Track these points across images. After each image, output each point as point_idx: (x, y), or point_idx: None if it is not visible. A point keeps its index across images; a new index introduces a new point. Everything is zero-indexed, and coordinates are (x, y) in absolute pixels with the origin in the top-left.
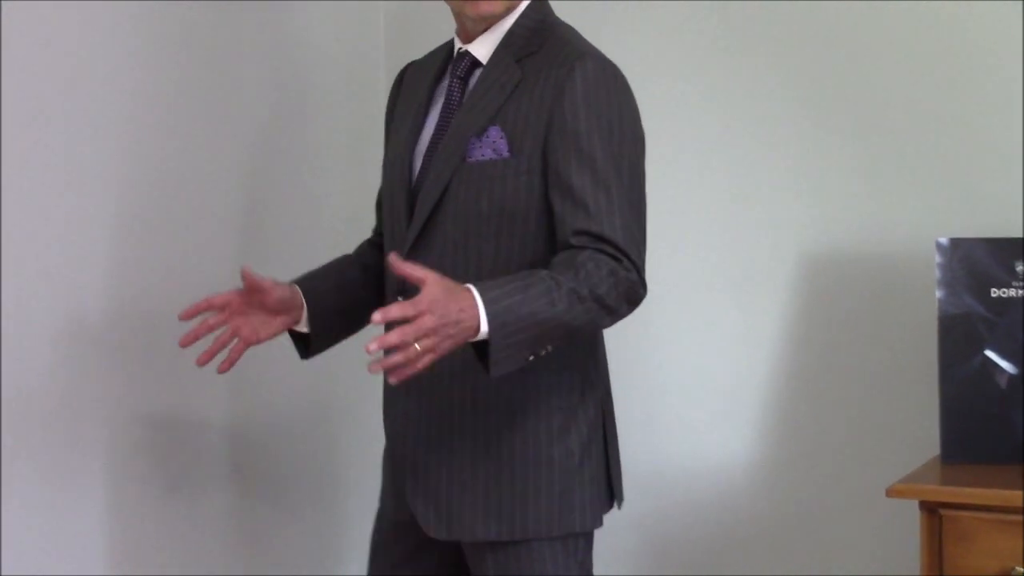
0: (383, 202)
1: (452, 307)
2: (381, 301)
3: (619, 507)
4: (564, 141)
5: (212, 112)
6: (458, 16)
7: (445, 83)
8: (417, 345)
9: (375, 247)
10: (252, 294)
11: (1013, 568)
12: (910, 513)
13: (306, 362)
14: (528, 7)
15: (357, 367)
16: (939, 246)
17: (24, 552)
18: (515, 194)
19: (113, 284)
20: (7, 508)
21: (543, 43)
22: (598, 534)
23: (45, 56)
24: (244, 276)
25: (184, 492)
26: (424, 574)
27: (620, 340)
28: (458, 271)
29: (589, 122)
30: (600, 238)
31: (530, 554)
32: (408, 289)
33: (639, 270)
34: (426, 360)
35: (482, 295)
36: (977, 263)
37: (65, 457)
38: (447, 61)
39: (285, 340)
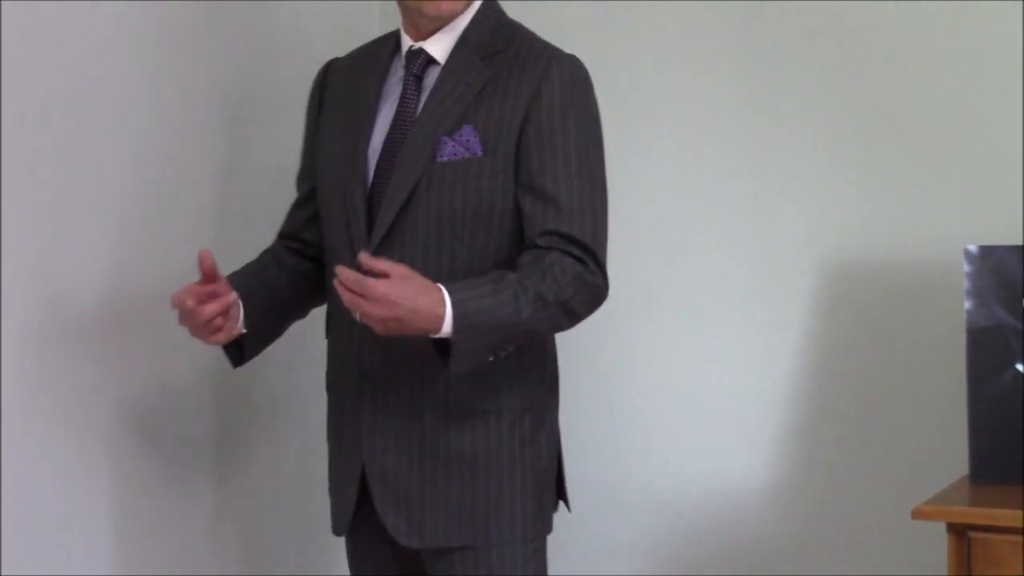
0: (326, 202)
1: (412, 294)
2: (307, 301)
3: (569, 509)
4: (539, 140)
5: (205, 109)
6: (410, 13)
7: (394, 80)
8: (363, 309)
9: (291, 252)
10: (207, 284)
11: None
12: (937, 536)
13: (301, 355)
14: (482, 6)
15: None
16: (968, 254)
17: (24, 551)
18: (490, 194)
19: (109, 279)
20: (7, 508)
21: (509, 42)
22: (615, 555)
23: (45, 56)
24: (203, 259)
25: (181, 491)
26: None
27: (636, 353)
28: (430, 272)
29: (566, 123)
30: (569, 239)
31: (501, 556)
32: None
33: (604, 272)
34: (373, 325)
35: (451, 295)
36: (1008, 272)
37: (63, 455)
38: (389, 59)
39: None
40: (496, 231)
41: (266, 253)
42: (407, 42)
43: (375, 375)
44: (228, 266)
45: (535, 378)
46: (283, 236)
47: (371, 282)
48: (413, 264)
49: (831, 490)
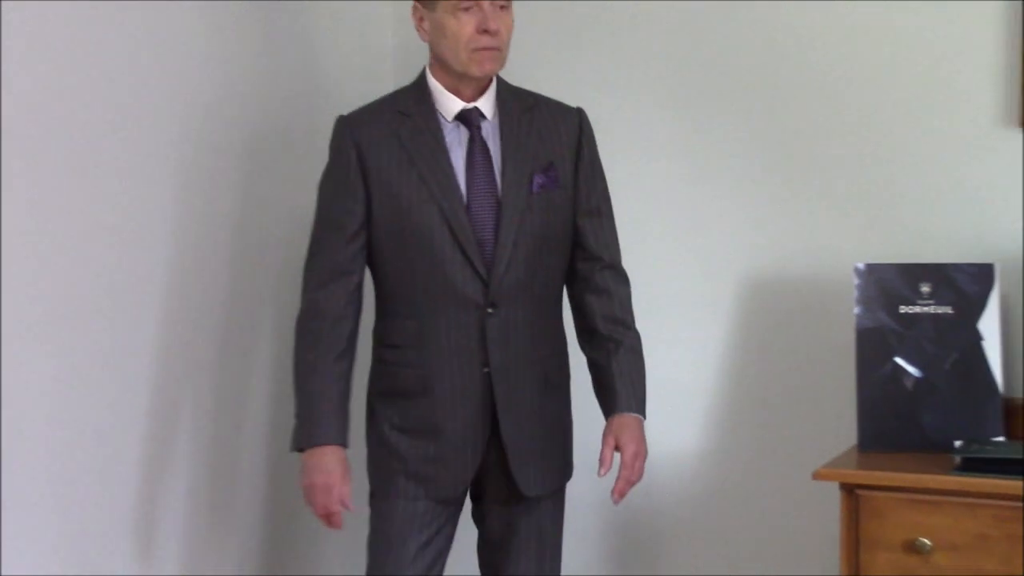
0: (416, 233)
1: (641, 443)
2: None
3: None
4: (589, 178)
5: (213, 112)
6: (456, 80)
7: (457, 133)
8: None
9: (352, 303)
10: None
11: (918, 539)
12: (832, 493)
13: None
14: (497, 77)
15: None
16: (857, 270)
17: (24, 551)
18: (566, 216)
19: (108, 280)
20: (7, 507)
21: (534, 100)
22: (578, 506)
23: (45, 56)
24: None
25: (187, 490)
26: (443, 545)
27: None
28: (544, 276)
29: (597, 161)
30: (616, 268)
31: (562, 497)
32: (496, 303)
33: None
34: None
35: (634, 412)
36: (888, 285)
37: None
38: (431, 115)
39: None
40: (566, 245)
41: (345, 362)
42: (456, 103)
43: (501, 367)
44: (240, 269)
45: (567, 359)
46: (336, 274)
47: (634, 475)
48: (525, 273)
49: (749, 457)
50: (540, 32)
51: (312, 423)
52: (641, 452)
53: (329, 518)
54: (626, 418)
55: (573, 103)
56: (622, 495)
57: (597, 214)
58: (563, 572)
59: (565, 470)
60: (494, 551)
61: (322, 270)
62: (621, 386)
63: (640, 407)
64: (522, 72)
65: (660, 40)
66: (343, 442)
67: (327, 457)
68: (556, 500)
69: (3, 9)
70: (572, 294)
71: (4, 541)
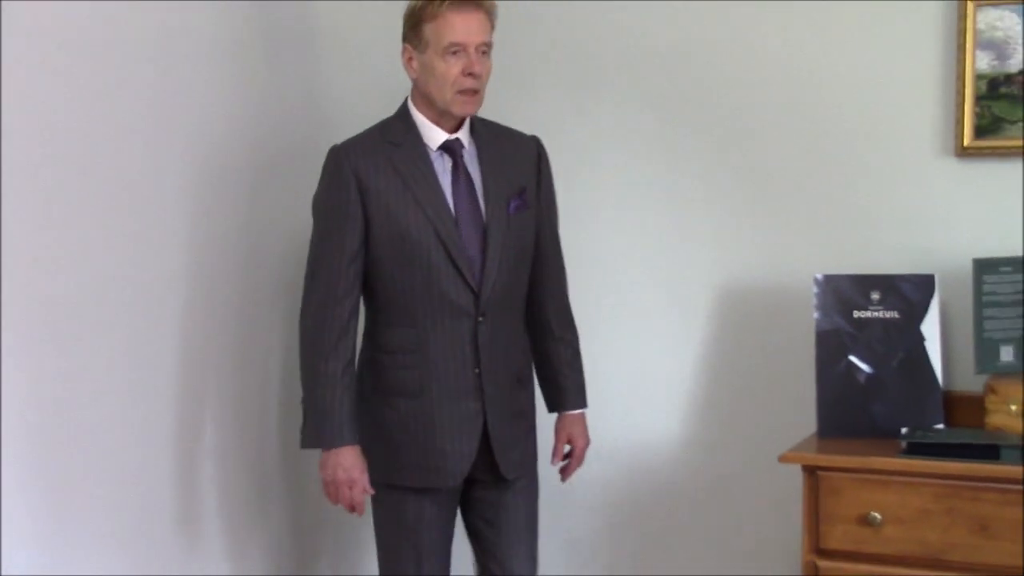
0: (413, 250)
1: (587, 433)
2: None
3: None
4: (548, 198)
5: (223, 135)
6: (439, 115)
7: (442, 161)
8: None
9: (354, 316)
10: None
11: (870, 513)
12: (795, 474)
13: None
14: None
15: None
16: (816, 280)
17: (25, 551)
18: (532, 233)
19: (106, 281)
20: (7, 507)
21: (498, 130)
22: (569, 489)
23: (45, 56)
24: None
25: (186, 490)
26: (449, 532)
27: (586, 348)
28: (519, 287)
29: (551, 187)
30: (562, 281)
31: (532, 484)
32: (485, 312)
33: None
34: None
35: (583, 407)
36: (844, 293)
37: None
38: (415, 142)
39: None
40: (531, 259)
41: (351, 374)
42: (441, 134)
43: (489, 368)
44: (249, 269)
45: (531, 357)
46: (339, 296)
47: (582, 463)
48: (506, 282)
49: (722, 444)
50: (532, 73)
51: (329, 426)
52: (588, 444)
53: (354, 508)
54: (575, 415)
55: (561, 136)
56: (569, 475)
57: (550, 225)
58: (543, 550)
59: (534, 454)
60: (482, 535)
61: (326, 289)
62: (569, 384)
63: (584, 401)
64: (513, 108)
65: (640, 77)
66: (357, 441)
67: (345, 455)
68: (531, 485)
69: (3, 9)
70: (527, 293)
71: (4, 541)
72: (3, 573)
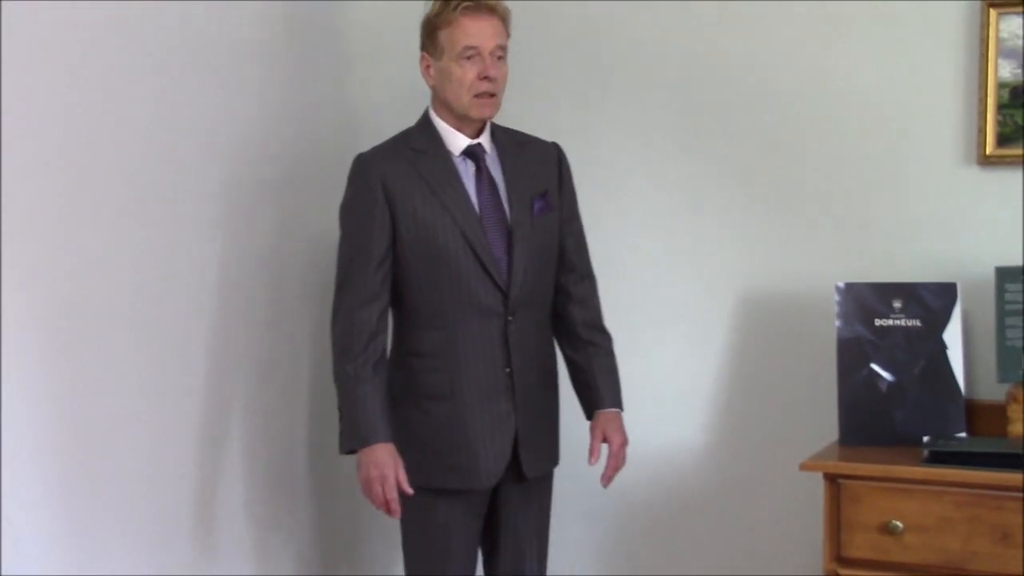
0: (441, 254)
1: (624, 432)
2: None
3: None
4: (571, 199)
5: (255, 145)
6: (459, 120)
7: (464, 166)
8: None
9: (383, 319)
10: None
11: (891, 521)
12: (816, 482)
13: None
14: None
15: None
16: (837, 288)
17: (24, 552)
18: (556, 235)
19: (102, 283)
20: (6, 507)
21: (518, 136)
22: (589, 494)
23: (45, 56)
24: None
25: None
26: (478, 530)
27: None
28: (545, 287)
29: (572, 190)
30: (589, 276)
31: (551, 480)
32: (514, 311)
33: None
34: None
35: (618, 408)
36: (865, 301)
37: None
38: (437, 149)
39: None
40: (556, 260)
41: (382, 373)
42: (463, 139)
43: (520, 368)
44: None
45: (556, 355)
46: (368, 299)
47: (620, 463)
48: (532, 282)
49: (743, 451)
50: (561, 83)
51: (364, 426)
52: (625, 442)
53: (388, 505)
54: (610, 414)
55: (582, 143)
56: (610, 480)
57: (575, 232)
58: (561, 558)
59: (556, 455)
60: (493, 531)
61: (356, 295)
62: (603, 385)
63: (619, 402)
64: (545, 119)
65: (663, 85)
66: (390, 439)
67: (380, 453)
68: (547, 484)
69: (3, 9)
70: (555, 302)
71: (4, 541)
72: (3, 574)
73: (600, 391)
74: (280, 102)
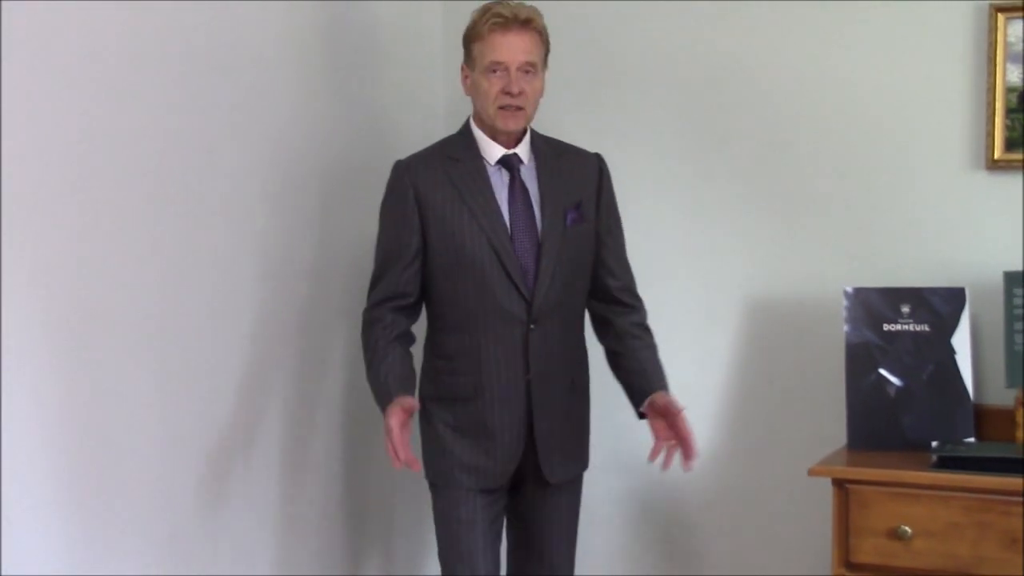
0: (468, 260)
1: (675, 402)
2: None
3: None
4: (608, 213)
5: (296, 153)
6: (492, 130)
7: (500, 175)
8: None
9: (398, 312)
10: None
11: (899, 526)
12: (825, 487)
13: None
14: (530, 127)
15: None
16: (846, 293)
17: (25, 551)
18: (591, 247)
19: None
20: (5, 508)
21: (562, 148)
22: (600, 499)
23: (45, 56)
24: (409, 408)
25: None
26: (499, 526)
27: None
28: (574, 296)
29: (613, 198)
30: (636, 296)
31: (580, 486)
32: (537, 320)
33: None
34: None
35: (665, 389)
36: (873, 306)
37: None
38: (473, 157)
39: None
40: (589, 270)
41: (402, 343)
42: (498, 149)
43: (540, 373)
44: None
45: (588, 365)
46: (391, 297)
47: (692, 439)
48: (563, 293)
49: (752, 455)
50: (572, 89)
51: (384, 393)
52: (682, 410)
53: (397, 456)
54: (661, 395)
55: (593, 149)
56: (689, 457)
57: (616, 243)
58: (581, 560)
59: (583, 461)
60: (521, 533)
61: (383, 289)
62: (653, 369)
63: (666, 384)
64: (555, 123)
65: (671, 90)
66: (400, 393)
67: (387, 414)
68: (575, 487)
69: (3, 9)
70: (597, 310)
71: (5, 541)
72: (4, 574)
73: (650, 374)
74: (320, 113)
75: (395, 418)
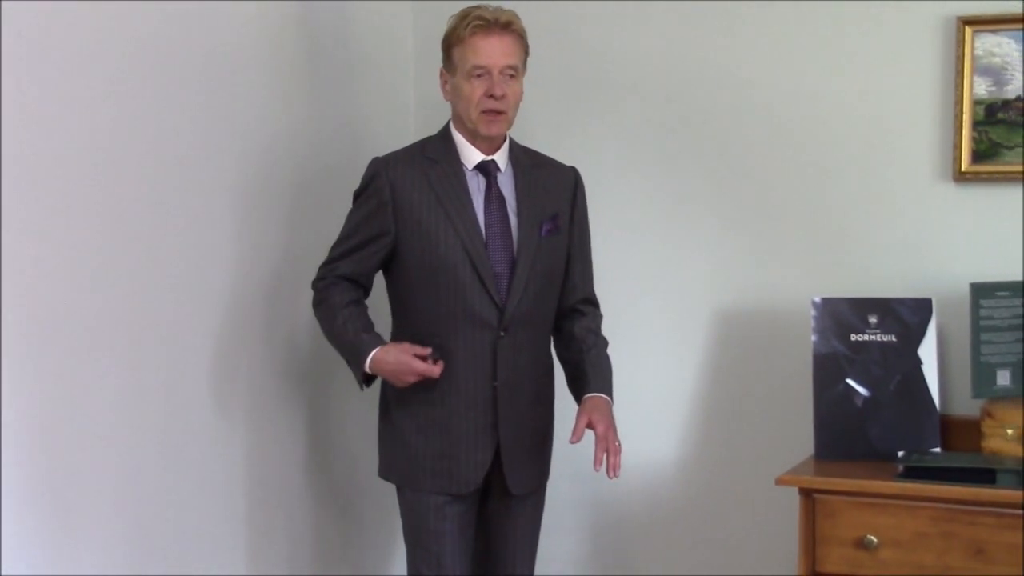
0: (440, 262)
1: (610, 416)
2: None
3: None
4: (580, 228)
5: (266, 153)
6: (472, 135)
7: (476, 180)
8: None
9: (357, 288)
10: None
11: (866, 536)
12: (792, 496)
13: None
14: (508, 136)
15: None
16: (814, 303)
17: (24, 551)
18: (563, 257)
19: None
20: (8, 507)
21: (540, 158)
22: (559, 511)
23: (45, 56)
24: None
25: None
26: (469, 533)
27: None
28: (545, 307)
29: (585, 212)
30: (592, 303)
31: (543, 497)
32: (508, 327)
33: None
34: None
35: (608, 395)
36: (841, 316)
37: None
38: (452, 161)
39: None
40: (560, 282)
41: (358, 304)
42: (477, 154)
43: (507, 381)
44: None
45: (553, 378)
46: (350, 277)
47: (614, 445)
48: (534, 302)
49: (718, 465)
50: (545, 99)
51: (357, 350)
52: (612, 426)
53: (425, 373)
54: (596, 399)
55: (572, 161)
56: (613, 468)
57: (582, 256)
58: (545, 571)
59: (545, 472)
60: (482, 541)
61: (338, 273)
62: (592, 375)
63: (609, 391)
64: (528, 133)
65: (641, 101)
66: (382, 343)
67: (381, 356)
68: (538, 498)
69: (3, 9)
70: (558, 320)
71: (5, 540)
72: (3, 573)
73: (589, 378)
74: (292, 116)
75: (404, 354)
